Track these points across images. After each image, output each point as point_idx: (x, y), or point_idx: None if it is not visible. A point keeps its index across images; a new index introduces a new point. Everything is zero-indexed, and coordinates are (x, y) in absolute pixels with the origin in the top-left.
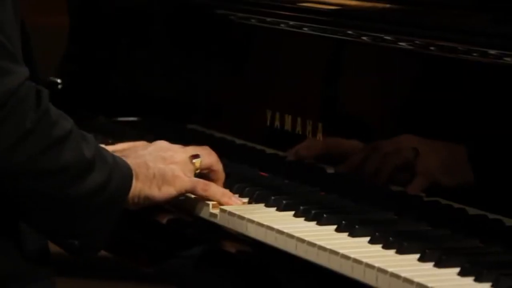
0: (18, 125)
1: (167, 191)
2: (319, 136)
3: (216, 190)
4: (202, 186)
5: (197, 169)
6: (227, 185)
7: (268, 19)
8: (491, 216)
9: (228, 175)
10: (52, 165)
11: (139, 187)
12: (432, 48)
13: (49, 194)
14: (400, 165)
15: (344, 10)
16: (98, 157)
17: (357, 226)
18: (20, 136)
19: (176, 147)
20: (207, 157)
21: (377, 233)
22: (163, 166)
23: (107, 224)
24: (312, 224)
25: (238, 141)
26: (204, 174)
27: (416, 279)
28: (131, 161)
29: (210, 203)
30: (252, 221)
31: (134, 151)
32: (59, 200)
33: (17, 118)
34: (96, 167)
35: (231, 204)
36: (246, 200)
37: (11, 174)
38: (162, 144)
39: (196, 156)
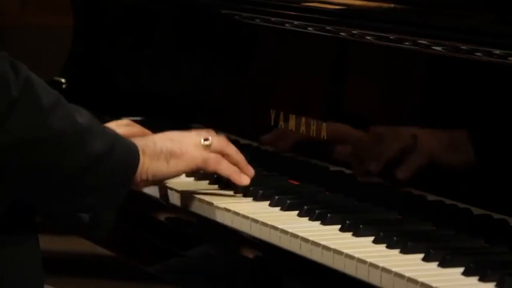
0: (4, 95)
1: (176, 166)
2: (323, 135)
3: (227, 166)
4: (213, 161)
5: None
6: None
7: (273, 19)
8: (496, 216)
9: None
10: (46, 133)
11: (146, 163)
12: (436, 48)
13: (48, 165)
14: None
15: (349, 10)
16: (95, 126)
17: (361, 226)
18: (8, 106)
19: (187, 132)
20: (217, 140)
21: (381, 233)
22: (170, 144)
23: (115, 198)
24: (316, 223)
25: (243, 141)
26: None
27: (420, 279)
28: (137, 141)
29: (214, 202)
30: (256, 221)
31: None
32: (59, 171)
33: (0, 88)
34: (95, 135)
35: (240, 182)
36: (250, 199)
37: (6, 148)
38: (172, 131)
39: (206, 140)
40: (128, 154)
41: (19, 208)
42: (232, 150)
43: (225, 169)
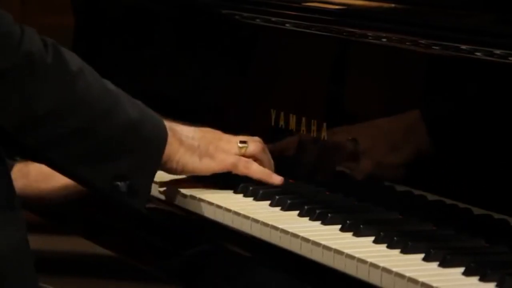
0: (41, 62)
1: (207, 164)
2: (324, 135)
3: (257, 168)
4: (243, 163)
5: (241, 155)
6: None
7: (273, 19)
8: (496, 216)
9: (232, 174)
10: (80, 97)
11: (181, 152)
12: (436, 48)
13: (84, 129)
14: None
15: (349, 10)
16: (123, 93)
17: (361, 226)
18: (44, 73)
19: (224, 134)
20: (253, 145)
21: (381, 233)
22: (207, 142)
23: (148, 164)
24: (317, 223)
25: None
26: None
27: (420, 279)
28: (178, 127)
29: (215, 202)
30: (256, 221)
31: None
32: (95, 134)
33: (37, 58)
34: (125, 101)
35: (271, 182)
36: (251, 199)
37: (43, 114)
38: (211, 130)
39: (243, 142)
40: (157, 123)
41: (7, 207)
42: (265, 157)
43: (255, 172)
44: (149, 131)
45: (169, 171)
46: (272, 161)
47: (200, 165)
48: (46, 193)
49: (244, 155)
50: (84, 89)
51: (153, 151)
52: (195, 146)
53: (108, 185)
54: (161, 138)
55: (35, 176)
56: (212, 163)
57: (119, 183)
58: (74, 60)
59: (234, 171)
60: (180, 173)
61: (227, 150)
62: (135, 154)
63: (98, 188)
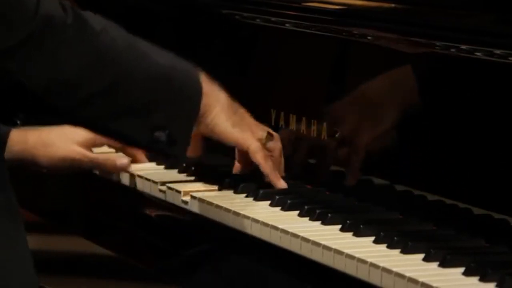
0: (62, 22)
1: (236, 134)
2: (324, 135)
3: (271, 166)
4: (263, 154)
5: (262, 144)
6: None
7: (273, 19)
8: (496, 216)
9: (232, 174)
10: (107, 55)
11: (217, 110)
12: (437, 48)
13: (114, 86)
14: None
15: (349, 10)
16: (153, 47)
17: (361, 226)
18: (65, 36)
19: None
20: (275, 142)
21: (381, 233)
22: (243, 116)
23: (187, 114)
24: (317, 223)
25: None
26: None
27: (421, 279)
28: (218, 91)
29: (215, 202)
30: (256, 221)
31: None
32: (127, 90)
33: (57, 20)
34: (155, 53)
35: (276, 185)
36: (251, 199)
37: (71, 73)
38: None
39: (270, 135)
40: (191, 71)
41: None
42: (279, 159)
43: (268, 167)
44: (184, 78)
45: (200, 126)
46: (283, 164)
47: (231, 132)
48: (41, 160)
49: (263, 146)
50: (109, 46)
51: (190, 95)
52: (231, 112)
53: (148, 137)
54: (196, 84)
55: (33, 143)
56: (239, 136)
57: (157, 133)
58: (95, 19)
59: (251, 155)
60: (209, 133)
61: (255, 133)
62: (171, 103)
63: (139, 141)
